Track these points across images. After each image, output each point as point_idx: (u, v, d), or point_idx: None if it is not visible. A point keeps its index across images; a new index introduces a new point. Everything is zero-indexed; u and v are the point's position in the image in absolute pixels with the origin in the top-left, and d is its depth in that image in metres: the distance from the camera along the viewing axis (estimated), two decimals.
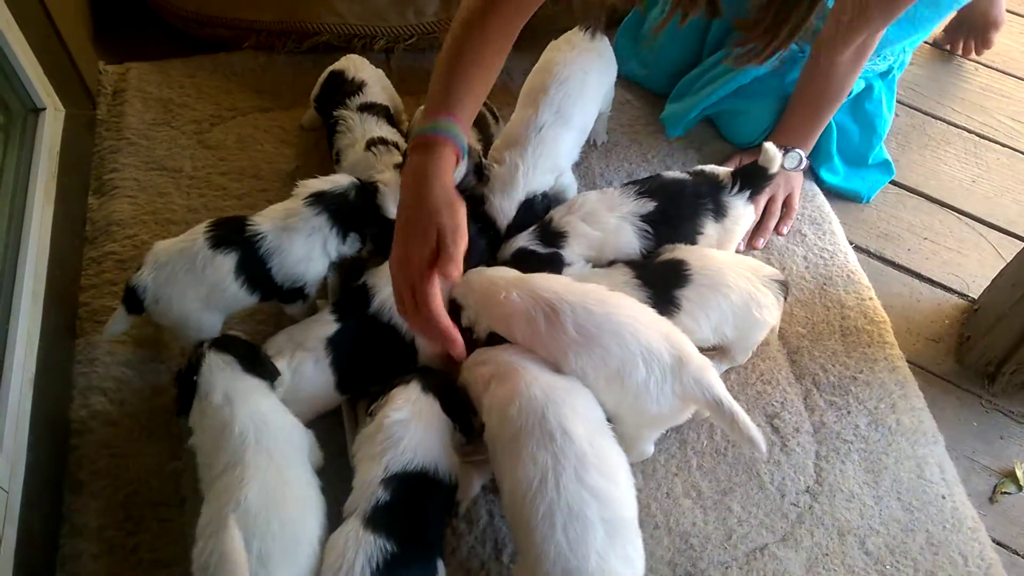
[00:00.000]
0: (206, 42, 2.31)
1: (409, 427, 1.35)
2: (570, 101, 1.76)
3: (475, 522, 1.49)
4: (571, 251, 1.66)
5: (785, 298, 1.61)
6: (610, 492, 1.24)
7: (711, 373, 1.38)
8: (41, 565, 1.41)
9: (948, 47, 2.53)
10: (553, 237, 1.67)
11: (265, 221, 1.58)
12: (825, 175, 2.10)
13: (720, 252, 1.63)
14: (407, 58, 2.29)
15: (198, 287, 1.52)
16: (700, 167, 1.78)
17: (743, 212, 1.74)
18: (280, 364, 1.45)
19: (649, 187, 1.70)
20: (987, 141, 2.31)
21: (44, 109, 1.87)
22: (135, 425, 1.59)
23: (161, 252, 1.54)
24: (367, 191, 1.63)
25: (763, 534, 1.53)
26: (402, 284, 1.36)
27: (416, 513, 1.29)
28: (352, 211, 1.60)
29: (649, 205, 1.67)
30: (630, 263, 1.62)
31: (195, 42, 2.32)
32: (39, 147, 1.80)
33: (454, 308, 1.53)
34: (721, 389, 1.37)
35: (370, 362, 1.54)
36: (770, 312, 1.57)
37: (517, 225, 1.72)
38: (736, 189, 1.71)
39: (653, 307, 1.50)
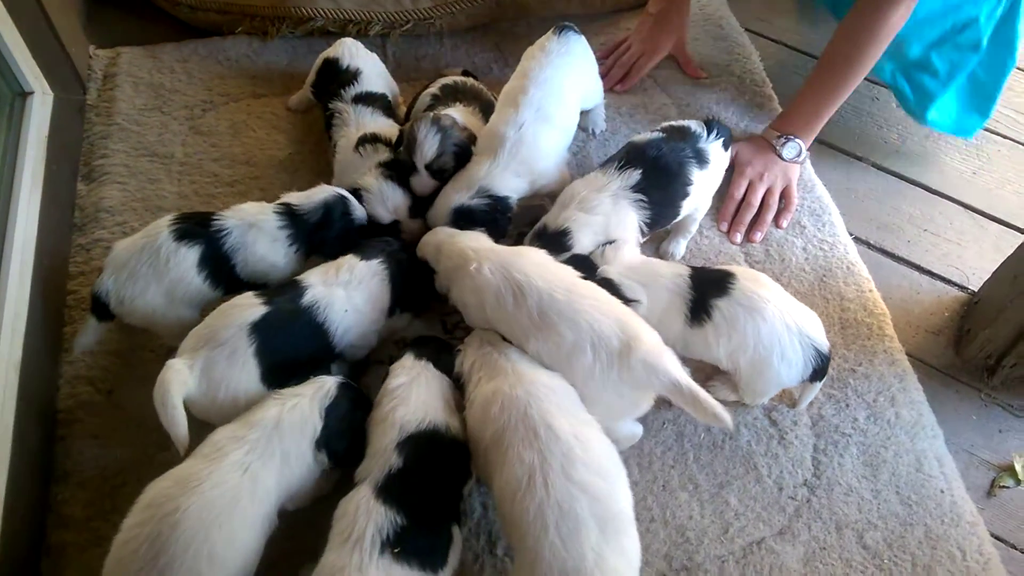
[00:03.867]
0: (199, 27, 2.29)
1: (411, 388, 1.37)
2: (550, 100, 1.72)
3: (469, 515, 1.47)
4: (580, 245, 1.64)
5: (816, 373, 1.53)
6: (599, 486, 1.22)
7: (665, 358, 1.37)
8: (26, 556, 1.39)
9: None
10: (557, 238, 1.64)
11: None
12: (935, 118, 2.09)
13: (779, 288, 1.55)
14: (403, 44, 2.26)
15: (161, 281, 1.51)
16: (667, 123, 1.80)
17: (723, 156, 1.78)
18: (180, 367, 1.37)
19: (628, 157, 1.69)
20: (989, 133, 2.28)
21: (32, 93, 1.85)
22: (123, 415, 1.56)
23: (120, 252, 1.52)
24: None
25: (760, 527, 1.51)
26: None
27: (431, 479, 1.29)
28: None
29: (635, 175, 1.66)
30: (692, 266, 1.59)
31: (187, 27, 2.30)
32: (27, 132, 1.78)
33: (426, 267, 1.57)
34: (678, 372, 1.35)
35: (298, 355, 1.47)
36: (788, 370, 1.51)
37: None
38: (713, 135, 1.75)
39: (690, 313, 1.51)
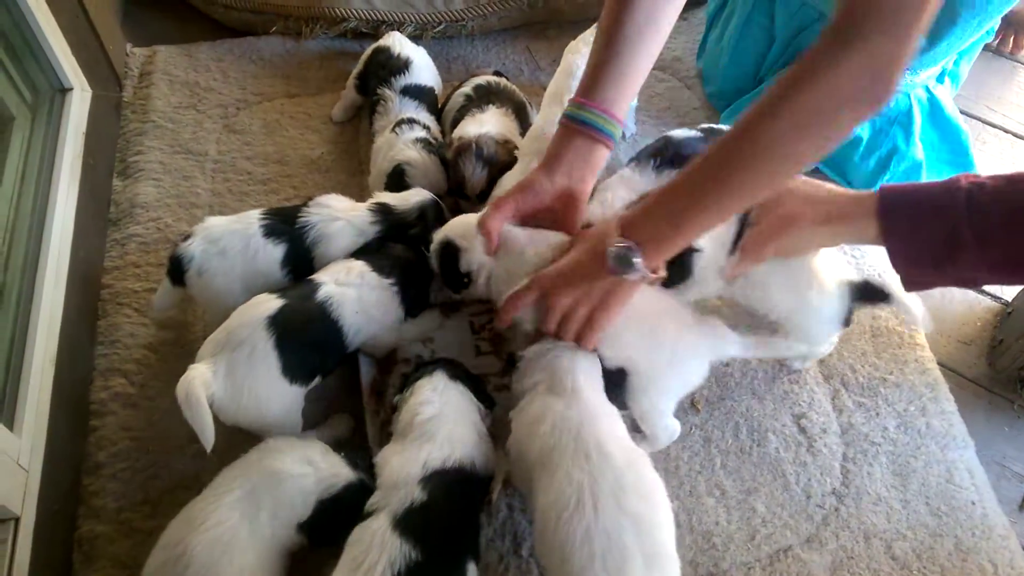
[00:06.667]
0: (233, 26, 2.31)
1: (443, 421, 1.32)
2: None
3: (494, 515, 1.47)
4: None
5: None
6: (648, 517, 1.19)
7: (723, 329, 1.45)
8: (59, 546, 1.41)
9: (996, 42, 2.47)
10: None
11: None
12: None
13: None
14: (435, 46, 2.26)
15: (246, 269, 1.53)
16: (708, 125, 1.74)
17: None
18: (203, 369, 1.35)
19: (664, 154, 1.64)
20: (1019, 139, 2.25)
21: (71, 89, 1.87)
22: (156, 408, 1.58)
23: (215, 227, 1.54)
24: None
25: (787, 535, 1.50)
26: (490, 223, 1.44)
27: (450, 517, 1.25)
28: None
29: (672, 175, 1.59)
30: None
31: (222, 26, 2.32)
32: (65, 127, 1.80)
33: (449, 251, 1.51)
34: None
35: (315, 349, 1.47)
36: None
37: None
38: None
39: None
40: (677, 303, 1.44)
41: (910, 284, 1.39)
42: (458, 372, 1.43)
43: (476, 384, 1.45)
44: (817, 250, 1.47)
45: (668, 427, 1.50)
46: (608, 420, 1.32)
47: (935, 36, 1.73)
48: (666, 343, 1.39)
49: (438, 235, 1.52)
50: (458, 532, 1.27)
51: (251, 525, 1.24)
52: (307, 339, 1.44)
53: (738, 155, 1.17)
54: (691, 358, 1.43)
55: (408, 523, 1.20)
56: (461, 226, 1.50)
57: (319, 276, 1.51)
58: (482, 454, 1.34)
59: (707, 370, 1.46)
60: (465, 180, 1.72)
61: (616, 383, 1.41)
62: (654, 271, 1.29)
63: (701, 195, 1.23)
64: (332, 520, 1.31)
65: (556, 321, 1.37)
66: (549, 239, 1.46)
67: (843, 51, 1.05)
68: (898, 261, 1.34)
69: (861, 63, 1.04)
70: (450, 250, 1.48)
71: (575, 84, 1.67)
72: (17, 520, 1.29)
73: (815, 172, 2.02)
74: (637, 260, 1.27)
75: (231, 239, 1.53)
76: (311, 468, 1.31)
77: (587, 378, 1.36)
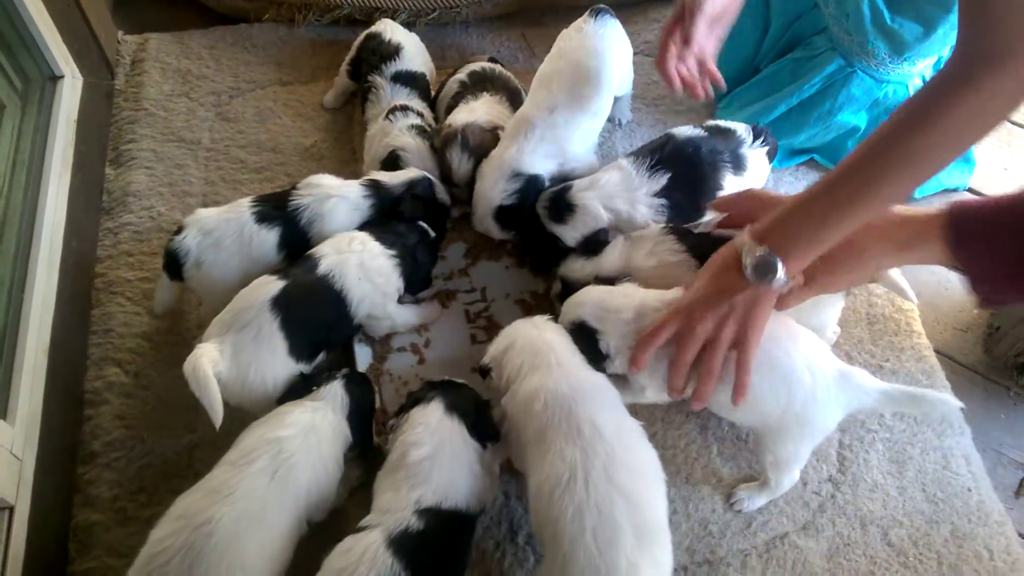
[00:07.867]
0: (226, 14, 2.29)
1: (435, 464, 1.27)
2: (583, 85, 1.69)
3: (491, 502, 1.46)
4: (572, 229, 1.63)
5: None
6: (639, 492, 1.20)
7: (869, 376, 1.37)
8: (54, 535, 1.41)
9: None
10: (561, 208, 1.64)
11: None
12: None
13: None
14: (429, 33, 2.24)
15: (242, 257, 1.54)
16: (714, 122, 1.74)
17: (762, 165, 1.72)
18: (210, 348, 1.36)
19: (662, 155, 1.63)
20: (1020, 128, 2.25)
21: (62, 77, 1.86)
22: (150, 397, 1.58)
23: (207, 219, 1.55)
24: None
25: (784, 522, 1.50)
26: None
27: (443, 548, 1.24)
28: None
29: (663, 179, 1.62)
30: (675, 232, 1.55)
31: (215, 13, 2.30)
32: (56, 115, 1.79)
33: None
34: (883, 384, 1.36)
35: (320, 325, 1.48)
36: None
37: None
38: (758, 143, 1.69)
39: None
40: (815, 343, 1.38)
41: (985, 302, 1.37)
42: (457, 402, 1.36)
43: (479, 413, 1.39)
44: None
45: (795, 477, 1.49)
46: (600, 392, 1.32)
47: (929, 25, 1.72)
48: (798, 395, 1.34)
49: (571, 309, 1.45)
50: (448, 563, 1.25)
51: (281, 490, 1.24)
52: (312, 316, 1.46)
53: (879, 164, 1.17)
54: (823, 410, 1.35)
55: (402, 544, 1.18)
56: (593, 305, 1.43)
57: (321, 248, 1.53)
58: (476, 495, 1.30)
59: (841, 418, 1.40)
60: (451, 169, 1.72)
61: None
62: (792, 278, 1.27)
63: (843, 201, 1.20)
64: (366, 422, 1.43)
65: (696, 350, 1.30)
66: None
67: (985, 72, 1.05)
68: (975, 283, 1.30)
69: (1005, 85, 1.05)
70: (585, 331, 1.41)
71: (564, 67, 1.69)
72: (12, 509, 1.29)
73: (810, 162, 2.02)
74: (780, 266, 1.24)
75: (225, 229, 1.53)
76: (318, 408, 1.35)
77: (566, 349, 1.37)
